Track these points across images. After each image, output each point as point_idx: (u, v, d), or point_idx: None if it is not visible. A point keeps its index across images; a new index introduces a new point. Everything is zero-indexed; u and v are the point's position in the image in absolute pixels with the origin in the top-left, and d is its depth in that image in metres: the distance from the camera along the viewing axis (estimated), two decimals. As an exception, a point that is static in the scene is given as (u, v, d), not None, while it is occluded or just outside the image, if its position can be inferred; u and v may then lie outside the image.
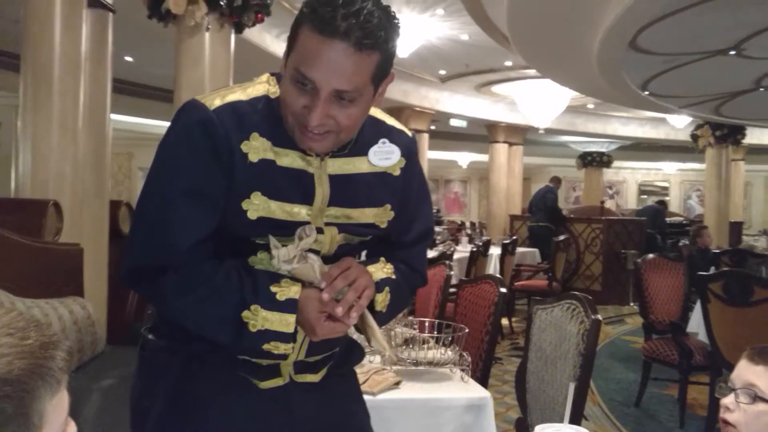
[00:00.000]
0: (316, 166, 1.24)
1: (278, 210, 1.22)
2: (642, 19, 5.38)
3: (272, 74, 1.28)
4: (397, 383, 2.07)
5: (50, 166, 3.66)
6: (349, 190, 1.27)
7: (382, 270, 1.34)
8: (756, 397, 1.20)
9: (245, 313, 1.19)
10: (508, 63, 8.99)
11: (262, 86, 1.25)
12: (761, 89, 8.16)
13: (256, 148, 1.20)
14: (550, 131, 12.77)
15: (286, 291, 1.21)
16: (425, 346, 2.26)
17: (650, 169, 20.80)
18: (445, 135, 14.15)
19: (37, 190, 3.63)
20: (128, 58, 8.48)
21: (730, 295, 3.56)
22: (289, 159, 1.23)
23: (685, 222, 10.99)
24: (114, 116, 4.40)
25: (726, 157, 11.34)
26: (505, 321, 6.86)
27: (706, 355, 4.00)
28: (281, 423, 1.34)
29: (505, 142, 12.69)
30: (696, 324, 4.12)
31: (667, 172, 20.77)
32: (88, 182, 3.96)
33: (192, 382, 1.31)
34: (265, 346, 1.22)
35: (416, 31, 7.19)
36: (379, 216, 1.33)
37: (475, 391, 2.10)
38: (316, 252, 1.26)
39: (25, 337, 0.71)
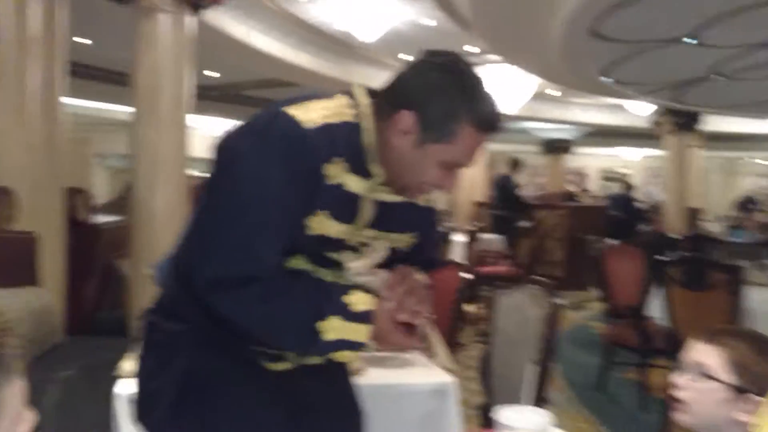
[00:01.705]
0: (369, 191, 1.33)
1: (332, 229, 1.30)
2: (602, 5, 5.44)
3: (344, 93, 1.34)
4: (360, 370, 2.05)
5: (1, 152, 3.56)
6: (387, 216, 1.37)
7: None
8: (704, 375, 1.24)
9: (322, 324, 1.24)
10: (472, 49, 9.00)
11: (347, 111, 1.30)
12: (719, 77, 8.33)
13: (336, 171, 1.27)
14: (513, 118, 12.85)
15: (361, 302, 1.27)
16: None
17: (612, 155, 21.16)
18: (410, 121, 14.17)
19: (-12, 176, 3.53)
20: (84, 41, 8.27)
21: (687, 279, 3.64)
22: (353, 183, 1.30)
23: (645, 208, 11.19)
24: (69, 101, 4.27)
25: (685, 144, 11.56)
26: (469, 307, 6.91)
27: (665, 338, 4.07)
28: (291, 403, 1.40)
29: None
30: (656, 308, 4.20)
31: (628, 158, 21.15)
32: (42, 169, 3.85)
33: (204, 364, 1.35)
34: (333, 354, 1.31)
35: (382, 16, 7.15)
36: (404, 241, 1.44)
37: (438, 376, 2.11)
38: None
39: None
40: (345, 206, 1.30)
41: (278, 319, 1.25)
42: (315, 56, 9.38)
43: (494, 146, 16.65)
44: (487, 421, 2.46)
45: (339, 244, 1.33)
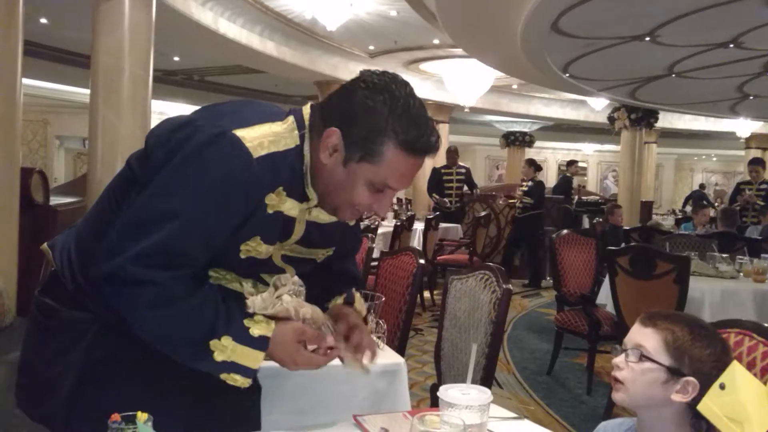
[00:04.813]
0: (303, 212, 1.32)
1: (264, 251, 1.31)
2: (564, 2, 5.53)
3: (294, 113, 1.30)
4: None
5: (-45, 131, 3.49)
6: (314, 235, 1.37)
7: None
8: (642, 357, 1.30)
9: (213, 342, 1.22)
10: (436, 41, 9.06)
11: (294, 134, 1.27)
12: (673, 75, 8.54)
13: (276, 201, 1.26)
14: (475, 110, 12.98)
15: (260, 327, 1.25)
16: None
17: (570, 149, 21.51)
18: (373, 111, 14.17)
19: (-59, 155, 3.46)
20: (43, 20, 8.08)
21: (635, 269, 3.73)
22: (288, 206, 1.29)
23: (600, 201, 11.40)
24: (28, 81, 4.20)
25: (639, 139, 11.80)
26: (427, 294, 7.01)
27: (612, 325, 4.20)
28: (194, 387, 1.38)
29: (431, 119, 12.79)
30: (605, 296, 4.31)
31: (586, 152, 21.53)
32: (-3, 149, 3.79)
33: (107, 353, 1.32)
34: (223, 376, 1.25)
35: (345, 5, 7.14)
36: (323, 254, 1.46)
37: (389, 357, 2.15)
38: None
39: None
40: (278, 229, 1.30)
41: (171, 326, 1.22)
42: (281, 44, 9.32)
43: (458, 138, 16.86)
44: (436, 400, 2.54)
45: (269, 265, 1.33)
